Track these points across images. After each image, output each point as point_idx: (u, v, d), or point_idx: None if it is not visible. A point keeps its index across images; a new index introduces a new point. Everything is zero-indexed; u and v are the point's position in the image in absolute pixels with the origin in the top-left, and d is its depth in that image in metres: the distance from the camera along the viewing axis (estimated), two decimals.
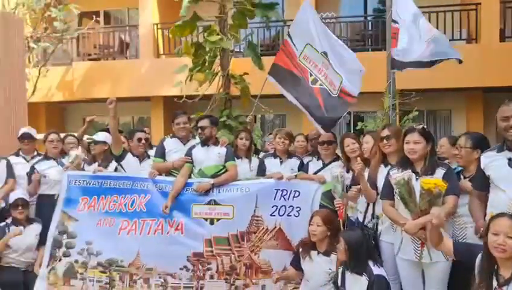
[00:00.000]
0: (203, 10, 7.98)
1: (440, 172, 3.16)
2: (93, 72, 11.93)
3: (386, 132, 3.61)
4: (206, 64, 7.91)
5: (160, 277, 4.28)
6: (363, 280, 3.09)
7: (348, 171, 4.02)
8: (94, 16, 12.06)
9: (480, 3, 10.04)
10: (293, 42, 4.95)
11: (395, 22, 4.93)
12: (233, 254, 4.28)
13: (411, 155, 3.19)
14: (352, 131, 10.66)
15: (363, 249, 3.18)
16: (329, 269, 3.45)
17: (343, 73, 4.66)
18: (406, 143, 3.22)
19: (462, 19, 10.62)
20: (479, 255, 2.46)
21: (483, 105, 10.85)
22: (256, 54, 7.50)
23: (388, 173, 3.35)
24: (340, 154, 4.29)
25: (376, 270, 3.11)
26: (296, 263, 3.74)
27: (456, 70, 9.44)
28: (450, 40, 10.21)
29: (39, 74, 10.44)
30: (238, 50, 9.46)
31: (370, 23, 12.12)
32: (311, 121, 4.78)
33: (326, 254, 3.51)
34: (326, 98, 4.66)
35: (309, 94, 4.75)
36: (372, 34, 11.63)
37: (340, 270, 3.27)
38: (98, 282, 4.28)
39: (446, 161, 3.78)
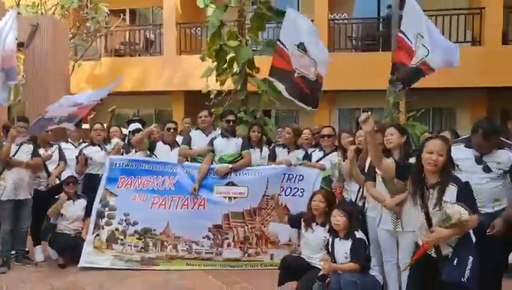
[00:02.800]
0: (224, 15, 8.77)
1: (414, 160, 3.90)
2: (119, 67, 12.81)
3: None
4: (226, 65, 8.73)
5: (186, 244, 5.15)
6: (349, 242, 3.90)
7: (344, 160, 4.79)
8: (122, 15, 12.90)
9: (484, 8, 10.63)
10: (283, 44, 5.77)
11: (402, 32, 5.43)
12: (247, 226, 5.15)
13: (388, 145, 3.95)
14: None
15: (354, 219, 4.01)
16: (324, 236, 4.24)
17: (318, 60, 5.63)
18: (385, 136, 3.99)
19: (468, 22, 11.20)
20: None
21: (486, 103, 11.47)
22: None
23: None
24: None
25: (358, 235, 3.93)
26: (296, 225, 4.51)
27: (460, 70, 10.20)
28: (455, 42, 10.96)
29: (73, 69, 11.35)
30: (255, 48, 10.12)
31: (381, 24, 12.74)
32: (301, 105, 5.84)
33: (323, 224, 4.29)
34: (308, 83, 5.59)
35: (295, 84, 5.66)
36: (382, 34, 12.22)
37: (330, 239, 4.08)
38: (135, 247, 5.16)
39: None
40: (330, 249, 4.05)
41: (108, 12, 11.67)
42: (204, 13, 11.04)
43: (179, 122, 11.98)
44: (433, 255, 2.97)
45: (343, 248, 3.93)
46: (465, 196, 2.91)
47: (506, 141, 3.70)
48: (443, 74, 10.23)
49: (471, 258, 2.82)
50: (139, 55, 13.52)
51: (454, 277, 2.81)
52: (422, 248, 2.97)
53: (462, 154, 3.62)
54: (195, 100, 12.35)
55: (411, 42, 5.30)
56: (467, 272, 2.78)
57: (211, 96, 9.03)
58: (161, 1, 12.81)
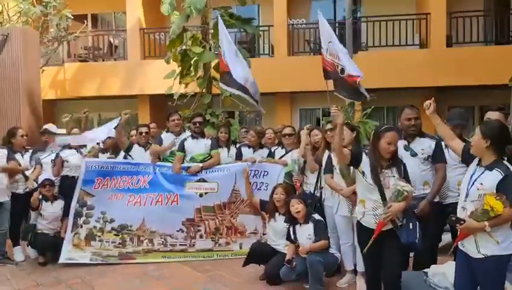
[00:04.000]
0: (187, 21, 9.16)
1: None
2: (83, 72, 12.93)
3: (329, 126, 4.93)
4: (191, 68, 9.13)
5: (161, 237, 5.55)
6: (310, 225, 4.43)
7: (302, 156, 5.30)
8: (85, 21, 13.01)
9: (429, 13, 11.51)
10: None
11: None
12: (218, 219, 5.61)
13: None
14: (320, 125, 11.91)
15: (311, 207, 4.63)
16: (287, 225, 4.75)
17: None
18: None
19: (415, 26, 12.07)
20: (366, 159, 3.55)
21: (435, 102, 12.36)
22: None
23: (329, 155, 4.67)
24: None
25: (317, 217, 4.51)
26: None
27: (410, 71, 11.03)
28: (405, 45, 11.81)
29: None
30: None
31: (337, 28, 13.43)
32: (251, 102, 6.28)
33: (285, 214, 4.80)
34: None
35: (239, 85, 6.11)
36: (338, 38, 12.88)
37: (290, 228, 4.58)
38: (113, 243, 5.51)
39: None
40: (293, 236, 4.56)
41: (72, 17, 11.77)
42: (167, 19, 11.39)
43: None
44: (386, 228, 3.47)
45: (306, 231, 4.46)
46: (406, 172, 3.59)
47: (426, 132, 4.33)
48: (395, 75, 11.15)
49: (417, 223, 3.47)
50: (103, 60, 13.65)
51: (412, 239, 3.41)
52: (381, 224, 3.44)
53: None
54: (160, 103, 12.67)
55: (325, 51, 5.94)
56: (417, 234, 3.42)
57: (174, 98, 9.41)
58: (123, 6, 13.01)
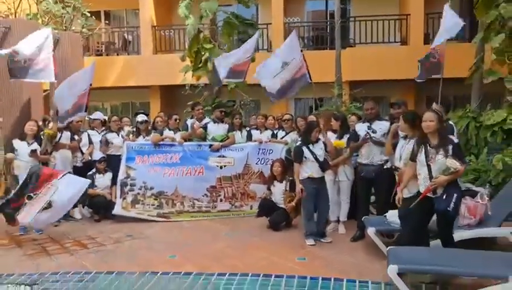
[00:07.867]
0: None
1: (346, 137, 6.07)
2: (99, 65, 14.25)
3: (321, 115, 6.55)
4: (202, 63, 10.60)
5: (190, 201, 7.12)
6: (320, 143, 5.83)
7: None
8: (103, 19, 14.35)
9: (409, 14, 13.02)
10: None
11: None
12: (234, 186, 7.20)
13: (333, 128, 6.14)
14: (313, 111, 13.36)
15: None
16: (282, 189, 6.38)
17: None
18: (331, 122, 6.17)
19: (397, 26, 13.58)
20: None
21: (414, 92, 13.91)
22: None
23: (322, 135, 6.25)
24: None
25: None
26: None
27: (392, 65, 12.52)
28: (388, 43, 13.31)
29: None
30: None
31: (328, 26, 14.90)
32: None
33: (281, 181, 6.45)
34: None
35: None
36: (329, 35, 14.42)
37: (304, 148, 5.71)
38: (153, 205, 7.07)
39: None
40: (310, 155, 5.66)
41: (90, 15, 13.13)
42: (176, 16, 12.73)
43: (156, 112, 13.54)
44: (430, 195, 4.12)
45: (320, 145, 5.77)
46: (457, 151, 4.07)
47: (383, 117, 5.97)
48: (379, 69, 12.64)
49: (455, 195, 4.00)
50: (117, 55, 15.03)
51: (442, 207, 3.98)
52: (427, 190, 4.08)
53: (361, 127, 5.84)
54: (169, 93, 14.13)
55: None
56: (452, 204, 3.97)
57: (186, 88, 10.91)
58: (135, 4, 14.34)
